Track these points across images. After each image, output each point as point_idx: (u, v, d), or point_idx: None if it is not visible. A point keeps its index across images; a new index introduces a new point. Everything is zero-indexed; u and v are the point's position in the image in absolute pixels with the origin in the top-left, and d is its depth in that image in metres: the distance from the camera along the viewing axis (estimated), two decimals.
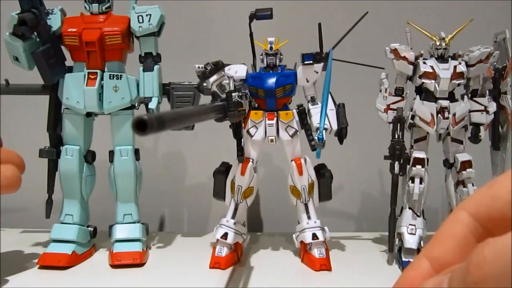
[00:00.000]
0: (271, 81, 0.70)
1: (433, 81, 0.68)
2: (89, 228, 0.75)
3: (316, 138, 0.67)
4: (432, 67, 0.68)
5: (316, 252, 0.69)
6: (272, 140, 0.71)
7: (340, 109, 0.70)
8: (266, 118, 0.70)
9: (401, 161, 0.67)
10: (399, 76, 0.71)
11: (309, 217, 0.71)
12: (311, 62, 0.69)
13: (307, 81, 0.71)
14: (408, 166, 0.69)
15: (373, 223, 0.92)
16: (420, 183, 0.69)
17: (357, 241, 0.82)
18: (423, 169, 0.69)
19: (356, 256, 0.74)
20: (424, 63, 0.68)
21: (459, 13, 0.84)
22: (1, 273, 0.65)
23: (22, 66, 0.70)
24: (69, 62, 0.74)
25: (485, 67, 0.68)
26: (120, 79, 0.72)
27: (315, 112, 0.70)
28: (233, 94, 0.60)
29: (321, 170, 0.73)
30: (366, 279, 0.65)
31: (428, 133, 0.70)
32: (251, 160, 0.71)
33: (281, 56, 0.71)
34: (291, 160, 0.71)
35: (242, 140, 0.68)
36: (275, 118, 0.70)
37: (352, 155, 0.90)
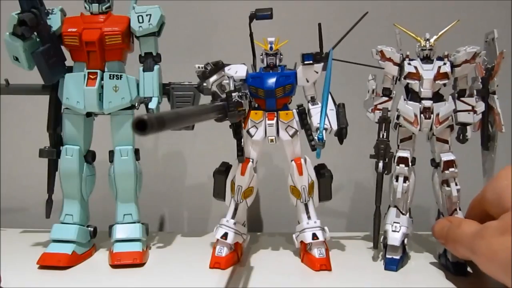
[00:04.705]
0: (271, 81, 0.70)
1: (417, 81, 0.69)
2: (89, 228, 0.75)
3: (316, 138, 0.67)
4: (416, 67, 0.69)
5: (316, 252, 0.69)
6: (272, 140, 0.71)
7: (340, 109, 0.71)
8: (266, 118, 0.70)
9: (386, 160, 0.68)
10: (385, 77, 0.72)
11: (309, 217, 0.71)
12: (311, 62, 0.69)
13: (307, 81, 0.71)
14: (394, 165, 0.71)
15: (373, 223, 0.92)
16: (405, 182, 0.70)
17: (357, 241, 0.82)
18: (407, 168, 0.70)
19: (356, 256, 0.74)
20: (409, 64, 0.69)
21: (459, 13, 0.84)
22: (1, 273, 0.65)
23: (22, 66, 0.70)
24: (69, 62, 0.74)
25: (471, 67, 0.69)
26: (120, 79, 0.72)
27: (315, 112, 0.70)
28: (233, 94, 0.60)
29: (321, 170, 0.73)
30: (366, 279, 0.65)
31: (413, 132, 0.70)
32: (251, 160, 0.71)
33: (281, 56, 0.71)
34: (291, 160, 0.71)
35: (242, 140, 0.68)
36: (275, 118, 0.70)
37: (352, 155, 0.90)
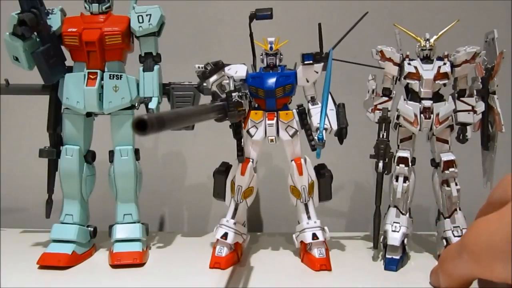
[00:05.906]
0: (271, 81, 0.70)
1: (417, 81, 0.69)
2: (89, 228, 0.75)
3: (316, 138, 0.67)
4: (416, 68, 0.69)
5: (316, 252, 0.69)
6: (272, 140, 0.71)
7: (340, 109, 0.71)
8: (266, 118, 0.70)
9: (386, 160, 0.68)
10: (385, 77, 0.72)
11: (309, 217, 0.71)
12: (311, 62, 0.69)
13: (307, 81, 0.71)
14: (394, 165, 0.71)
15: (373, 223, 0.92)
16: (405, 182, 0.70)
17: (357, 241, 0.82)
18: (407, 168, 0.70)
19: (356, 256, 0.74)
20: (409, 64, 0.70)
21: (459, 13, 0.84)
22: (1, 273, 0.65)
23: (22, 66, 0.70)
24: (69, 62, 0.74)
25: (471, 67, 0.69)
26: (120, 79, 0.72)
27: (315, 112, 0.70)
28: (233, 94, 0.60)
29: (321, 170, 0.73)
30: (366, 279, 0.65)
31: (413, 132, 0.70)
32: (251, 160, 0.71)
33: (281, 56, 0.71)
34: (291, 160, 0.71)
35: (242, 140, 0.68)
36: (275, 118, 0.70)
37: (352, 155, 0.90)
